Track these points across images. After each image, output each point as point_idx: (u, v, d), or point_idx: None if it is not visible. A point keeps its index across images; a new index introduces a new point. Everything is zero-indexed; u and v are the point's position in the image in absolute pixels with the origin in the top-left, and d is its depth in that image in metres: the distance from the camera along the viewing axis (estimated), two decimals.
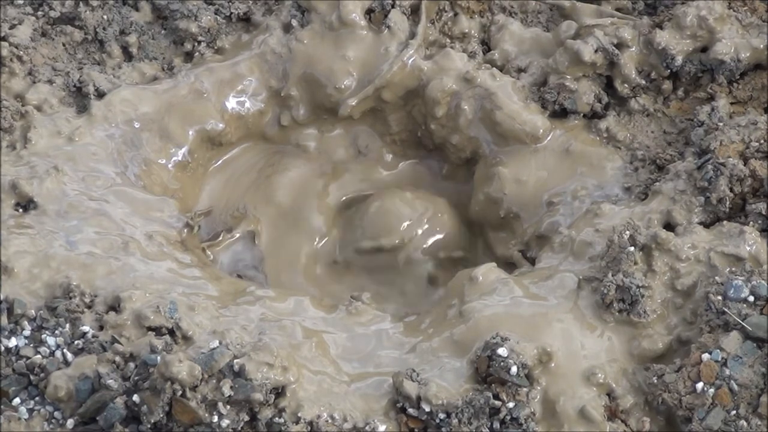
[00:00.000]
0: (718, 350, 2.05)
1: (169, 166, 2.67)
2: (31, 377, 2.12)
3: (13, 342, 2.14)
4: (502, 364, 2.06)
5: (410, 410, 2.07)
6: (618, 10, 2.78)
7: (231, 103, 2.74)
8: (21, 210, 2.39)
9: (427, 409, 2.05)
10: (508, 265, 2.57)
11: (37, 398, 2.11)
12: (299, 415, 2.04)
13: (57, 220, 2.37)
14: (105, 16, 2.80)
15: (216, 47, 2.80)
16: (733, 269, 2.18)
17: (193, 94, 2.70)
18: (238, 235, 2.71)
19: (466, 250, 2.72)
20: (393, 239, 2.65)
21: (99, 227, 2.38)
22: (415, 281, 2.67)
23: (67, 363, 2.12)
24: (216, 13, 2.81)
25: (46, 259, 2.27)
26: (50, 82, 2.68)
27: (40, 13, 2.78)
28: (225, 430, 2.00)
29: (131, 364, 2.08)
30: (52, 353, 2.14)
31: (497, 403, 2.04)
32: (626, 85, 2.64)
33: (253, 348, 2.06)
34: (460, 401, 2.05)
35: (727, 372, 2.03)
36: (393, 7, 2.73)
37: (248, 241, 2.72)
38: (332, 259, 2.72)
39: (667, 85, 2.64)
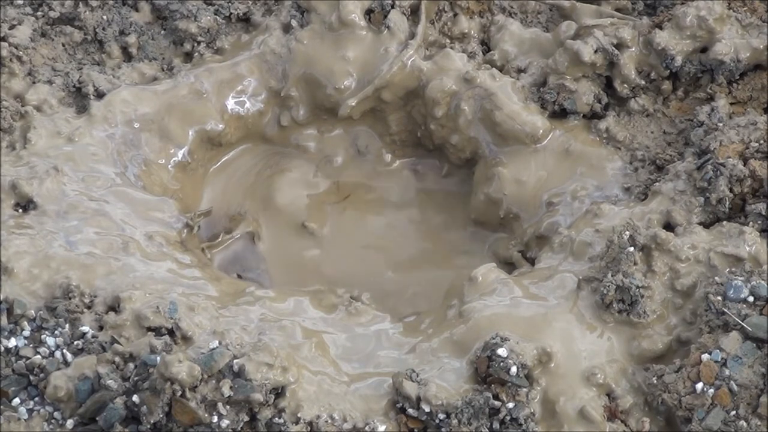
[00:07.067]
0: (718, 350, 2.05)
1: (169, 166, 2.67)
2: (31, 377, 2.12)
3: (12, 342, 2.14)
4: (501, 364, 2.06)
5: (410, 410, 2.07)
6: (618, 10, 2.78)
7: (231, 104, 2.74)
8: (21, 210, 2.39)
9: (427, 410, 2.05)
10: (508, 266, 2.57)
11: (36, 398, 2.11)
12: (299, 415, 2.04)
13: (57, 221, 2.37)
14: (105, 17, 2.80)
15: (216, 47, 2.80)
16: (733, 269, 2.18)
17: (192, 94, 2.70)
18: (237, 236, 2.70)
19: None
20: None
21: (99, 227, 2.38)
22: None
23: (66, 363, 2.12)
24: (216, 14, 2.81)
25: (46, 260, 2.27)
26: (50, 82, 2.68)
27: (39, 13, 2.78)
28: (225, 431, 2.00)
29: (131, 365, 2.08)
30: (52, 353, 2.14)
31: (497, 403, 2.04)
32: (626, 86, 2.64)
33: (252, 348, 2.06)
34: (459, 401, 2.05)
35: (727, 372, 2.03)
36: (393, 7, 2.72)
37: (248, 243, 2.71)
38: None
39: (666, 86, 2.64)
